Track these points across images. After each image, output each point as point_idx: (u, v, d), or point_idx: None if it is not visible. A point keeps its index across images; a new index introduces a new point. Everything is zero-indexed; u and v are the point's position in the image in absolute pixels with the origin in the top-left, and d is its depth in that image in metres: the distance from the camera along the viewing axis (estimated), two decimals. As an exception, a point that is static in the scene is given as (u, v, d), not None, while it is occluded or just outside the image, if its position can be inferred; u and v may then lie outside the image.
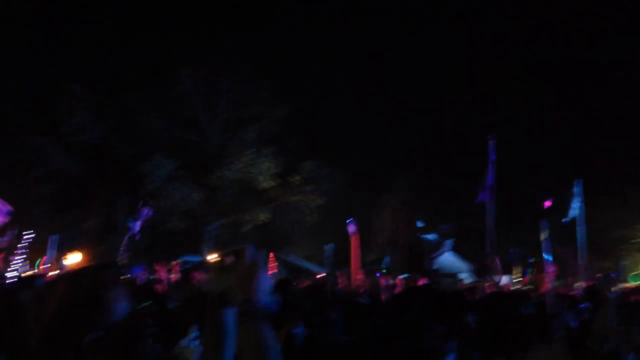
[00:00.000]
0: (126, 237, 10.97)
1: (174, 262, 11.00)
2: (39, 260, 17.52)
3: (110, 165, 31.87)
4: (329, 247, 23.62)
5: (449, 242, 25.29)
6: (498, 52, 53.23)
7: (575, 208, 17.55)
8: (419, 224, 26.82)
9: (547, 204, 17.10)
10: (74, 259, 18.97)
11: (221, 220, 32.17)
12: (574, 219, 17.66)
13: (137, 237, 12.28)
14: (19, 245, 18.24)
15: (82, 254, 22.36)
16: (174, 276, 10.10)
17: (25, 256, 18.08)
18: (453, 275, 21.58)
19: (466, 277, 21.41)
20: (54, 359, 1.41)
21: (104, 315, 1.47)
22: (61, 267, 14.60)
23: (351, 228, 11.29)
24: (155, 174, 29.52)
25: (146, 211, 12.44)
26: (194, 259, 25.61)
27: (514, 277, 22.55)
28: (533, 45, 53.26)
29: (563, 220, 17.86)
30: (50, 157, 32.18)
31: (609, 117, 44.75)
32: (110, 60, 37.20)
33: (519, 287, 15.34)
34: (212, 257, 19.14)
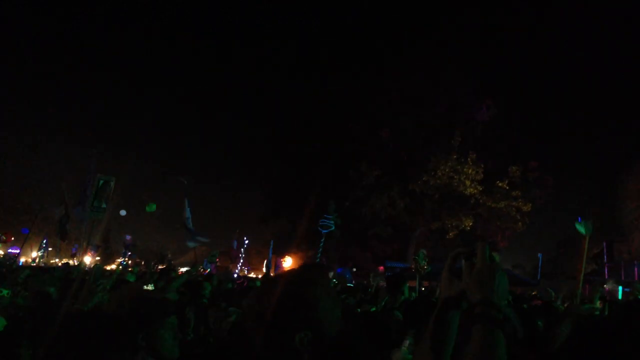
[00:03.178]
0: (322, 240, 11.54)
1: (380, 268, 11.30)
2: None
3: (321, 172, 33.76)
4: (540, 257, 22.35)
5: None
6: None
7: None
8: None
9: None
10: (288, 262, 20.33)
11: (426, 226, 32.13)
12: None
13: (335, 235, 12.75)
14: (236, 251, 20.07)
15: (294, 258, 23.95)
16: (381, 283, 10.31)
17: (242, 260, 19.88)
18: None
19: None
20: (272, 353, 1.53)
21: (309, 314, 1.55)
22: (277, 269, 15.84)
23: (581, 229, 9.80)
24: (362, 181, 30.55)
25: (337, 213, 12.89)
26: (399, 265, 25.92)
27: None
28: None
29: None
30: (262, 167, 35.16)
31: None
32: (314, 71, 39.46)
33: None
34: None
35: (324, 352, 1.53)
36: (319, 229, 13.87)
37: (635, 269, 24.86)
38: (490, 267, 1.48)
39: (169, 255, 35.38)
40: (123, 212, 24.44)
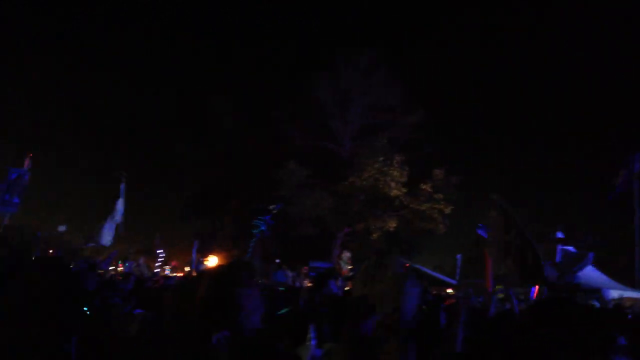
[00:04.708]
0: (253, 241, 11.40)
1: (304, 268, 11.25)
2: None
3: (246, 172, 33.47)
4: (458, 257, 23.03)
5: (590, 255, 23.53)
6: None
7: None
8: (559, 235, 25.23)
9: None
10: (212, 261, 19.97)
11: (350, 227, 32.44)
12: None
13: (267, 234, 12.68)
14: (158, 251, 19.57)
15: (219, 257, 23.53)
16: (306, 281, 10.29)
17: (163, 258, 19.34)
18: (596, 291, 19.97)
19: (612, 294, 19.78)
20: (188, 352, 1.46)
21: (235, 313, 1.50)
22: (200, 268, 15.48)
23: (484, 233, 10.48)
24: (288, 181, 30.47)
25: (271, 214, 12.83)
26: (323, 265, 26.04)
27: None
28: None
29: None
30: (194, 163, 34.50)
31: None
32: (249, 69, 39.21)
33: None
34: (346, 266, 19.32)
35: (243, 351, 1.47)
36: (253, 230, 13.69)
37: (547, 270, 26.04)
38: (399, 279, 1.50)
39: (88, 253, 34.01)
40: (62, 228, 23.15)
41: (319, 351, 2.53)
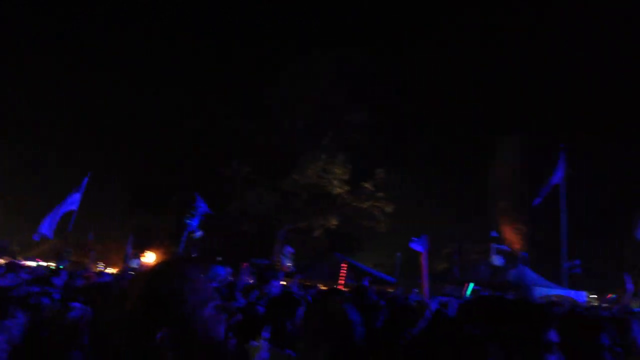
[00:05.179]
0: (185, 234, 11.21)
1: (244, 264, 11.12)
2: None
3: (187, 167, 32.89)
4: (398, 256, 23.38)
5: (523, 254, 24.47)
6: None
7: None
8: (493, 234, 26.06)
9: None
10: (149, 257, 19.59)
11: (293, 224, 32.42)
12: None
13: (197, 234, 12.49)
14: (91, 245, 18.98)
15: (156, 253, 23.04)
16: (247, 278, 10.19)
17: (95, 254, 18.78)
18: (528, 289, 20.73)
19: (542, 292, 20.58)
20: (132, 353, 1.42)
21: (174, 311, 1.45)
22: (136, 264, 15.11)
23: (417, 247, 10.85)
24: (232, 177, 30.15)
25: (202, 208, 12.65)
26: (263, 261, 25.93)
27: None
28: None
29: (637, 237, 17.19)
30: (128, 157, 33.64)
31: None
32: (192, 63, 38.55)
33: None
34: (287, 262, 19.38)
35: (189, 350, 1.42)
36: (186, 223, 13.43)
37: (482, 267, 26.84)
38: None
39: (17, 249, 32.72)
40: None
41: (267, 354, 2.50)
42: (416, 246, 10.67)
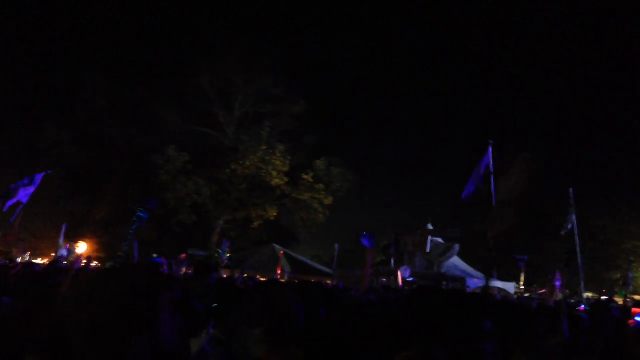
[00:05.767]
0: (134, 227, 10.93)
1: (182, 256, 10.97)
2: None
3: (123, 156, 31.97)
4: (336, 247, 23.60)
5: (456, 246, 25.18)
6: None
7: (570, 220, 17.50)
8: (429, 227, 26.67)
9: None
10: (81, 247, 19.03)
11: (231, 215, 32.13)
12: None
13: (142, 224, 12.23)
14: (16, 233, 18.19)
15: (88, 243, 22.35)
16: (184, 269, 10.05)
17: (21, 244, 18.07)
18: (461, 280, 21.40)
19: (475, 283, 21.29)
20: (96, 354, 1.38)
21: (150, 318, 1.44)
22: (68, 254, 14.63)
23: (366, 243, 11.12)
24: (167, 166, 29.46)
25: (153, 203, 12.38)
26: (201, 253, 25.63)
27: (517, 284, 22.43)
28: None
29: (562, 232, 17.97)
30: (62, 144, 32.35)
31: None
32: (128, 50, 37.43)
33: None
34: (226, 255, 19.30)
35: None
36: (135, 218, 13.05)
37: (417, 260, 27.37)
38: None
39: None
40: None
41: (208, 347, 2.48)
42: (365, 241, 10.89)
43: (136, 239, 10.10)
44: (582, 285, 17.78)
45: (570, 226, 17.49)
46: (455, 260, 25.16)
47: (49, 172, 15.78)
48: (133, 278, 1.50)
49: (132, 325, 1.37)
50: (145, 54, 37.11)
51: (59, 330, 1.41)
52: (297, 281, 12.24)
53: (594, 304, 9.69)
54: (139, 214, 12.05)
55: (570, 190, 17.51)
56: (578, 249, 17.14)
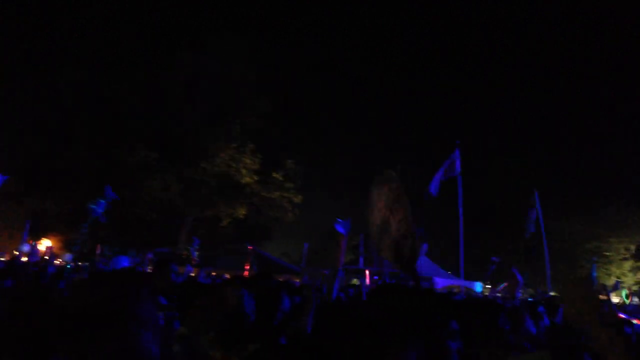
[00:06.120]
0: (89, 221, 10.77)
1: (148, 254, 10.87)
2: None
3: (87, 151, 31.17)
4: (305, 246, 23.62)
5: (424, 246, 25.38)
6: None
7: (532, 222, 17.86)
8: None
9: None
10: (45, 244, 18.67)
11: (200, 213, 31.85)
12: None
13: (102, 220, 12.03)
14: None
15: (52, 240, 21.90)
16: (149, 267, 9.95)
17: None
18: (427, 279, 21.61)
19: (441, 282, 21.50)
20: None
21: (134, 326, 1.41)
22: (31, 251, 14.30)
23: (341, 229, 11.07)
24: (130, 162, 28.88)
25: (110, 195, 12.19)
26: (164, 250, 25.33)
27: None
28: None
29: (526, 235, 18.29)
30: (22, 135, 31.58)
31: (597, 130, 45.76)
32: (94, 43, 36.71)
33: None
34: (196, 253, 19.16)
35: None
36: (91, 208, 12.82)
37: (385, 260, 27.52)
38: None
39: None
40: None
41: (176, 343, 2.46)
42: (340, 228, 10.85)
43: (93, 232, 9.93)
44: (549, 283, 18.13)
45: (533, 228, 17.81)
46: (423, 260, 25.39)
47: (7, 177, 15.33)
48: (114, 279, 1.48)
49: (114, 324, 1.35)
50: (110, 46, 36.36)
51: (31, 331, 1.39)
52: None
53: (547, 299, 9.96)
54: (92, 206, 11.84)
55: (535, 192, 17.85)
56: (546, 249, 17.49)
